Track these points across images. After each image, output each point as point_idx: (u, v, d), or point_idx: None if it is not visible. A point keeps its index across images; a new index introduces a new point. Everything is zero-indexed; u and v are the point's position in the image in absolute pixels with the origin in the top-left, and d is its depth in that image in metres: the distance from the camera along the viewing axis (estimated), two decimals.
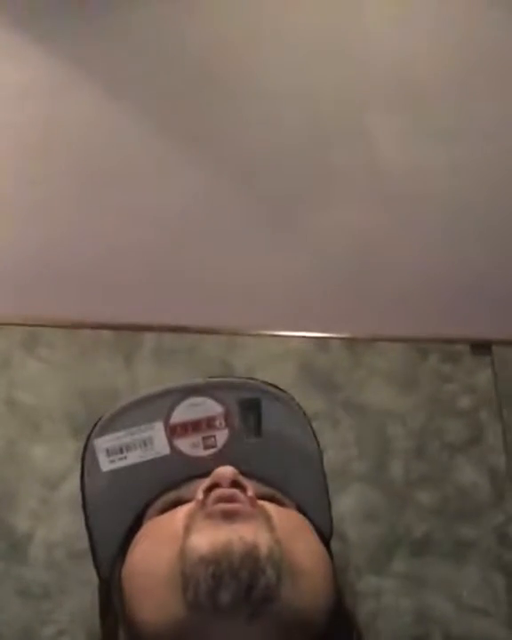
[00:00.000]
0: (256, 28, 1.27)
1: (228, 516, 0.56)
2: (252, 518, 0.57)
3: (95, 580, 0.73)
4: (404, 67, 1.31)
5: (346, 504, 1.12)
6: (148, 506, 0.67)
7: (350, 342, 1.24)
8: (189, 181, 1.25)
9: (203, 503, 0.58)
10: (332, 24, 1.30)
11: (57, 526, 1.05)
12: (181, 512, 0.60)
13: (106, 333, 1.21)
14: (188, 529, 0.57)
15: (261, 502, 0.61)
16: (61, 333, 1.19)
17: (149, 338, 1.21)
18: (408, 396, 1.21)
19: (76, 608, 1.00)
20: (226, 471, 0.60)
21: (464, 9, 1.31)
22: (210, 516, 0.57)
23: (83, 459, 0.68)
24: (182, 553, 0.55)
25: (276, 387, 0.76)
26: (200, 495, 0.59)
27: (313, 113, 1.28)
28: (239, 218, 1.26)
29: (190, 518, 0.58)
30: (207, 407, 0.69)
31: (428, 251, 1.28)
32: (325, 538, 0.72)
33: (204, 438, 0.68)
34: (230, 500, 0.58)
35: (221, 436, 0.68)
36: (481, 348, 1.26)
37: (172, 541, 0.57)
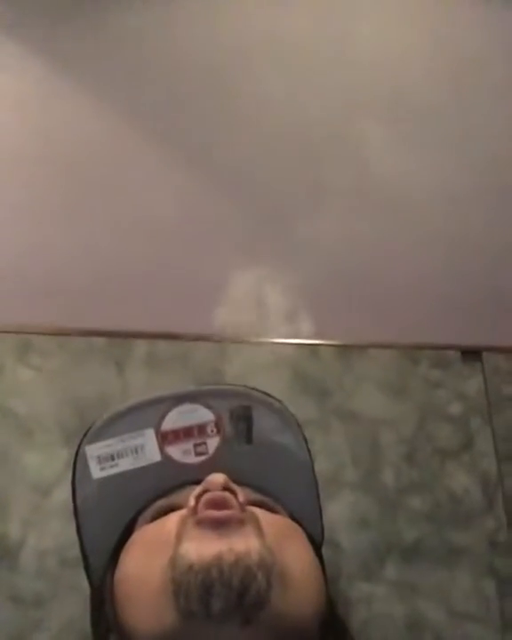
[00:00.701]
0: (248, 38, 1.28)
1: (219, 525, 0.56)
2: (242, 525, 0.57)
3: (87, 587, 0.73)
4: (396, 76, 1.32)
5: (338, 511, 1.12)
6: (139, 513, 0.67)
7: (342, 349, 1.24)
8: (181, 190, 1.26)
9: (194, 510, 0.58)
10: (323, 34, 1.31)
11: (49, 533, 1.05)
12: (173, 519, 0.60)
13: (98, 340, 1.21)
14: (179, 536, 0.57)
15: (252, 508, 0.62)
16: (53, 341, 1.19)
17: (141, 345, 1.21)
18: (399, 403, 1.21)
19: (67, 615, 1.00)
20: (217, 478, 0.60)
21: (456, 18, 1.32)
22: (200, 523, 0.57)
23: (74, 466, 0.69)
24: (173, 561, 0.55)
25: (267, 394, 0.76)
26: (191, 502, 0.59)
27: (304, 122, 1.29)
28: (231, 226, 1.27)
29: (181, 525, 0.58)
30: (198, 414, 0.69)
31: (418, 259, 1.29)
32: (317, 545, 0.72)
33: (195, 445, 0.68)
34: (221, 504, 0.58)
35: (212, 444, 0.68)
36: (471, 354, 1.27)
37: (163, 549, 0.57)
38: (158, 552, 0.58)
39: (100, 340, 1.20)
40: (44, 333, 1.19)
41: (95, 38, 1.23)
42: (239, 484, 0.63)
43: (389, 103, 1.31)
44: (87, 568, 0.69)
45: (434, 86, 1.33)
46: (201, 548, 0.55)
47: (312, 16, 1.30)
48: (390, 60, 1.32)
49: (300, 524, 0.68)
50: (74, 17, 1.21)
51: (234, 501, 0.58)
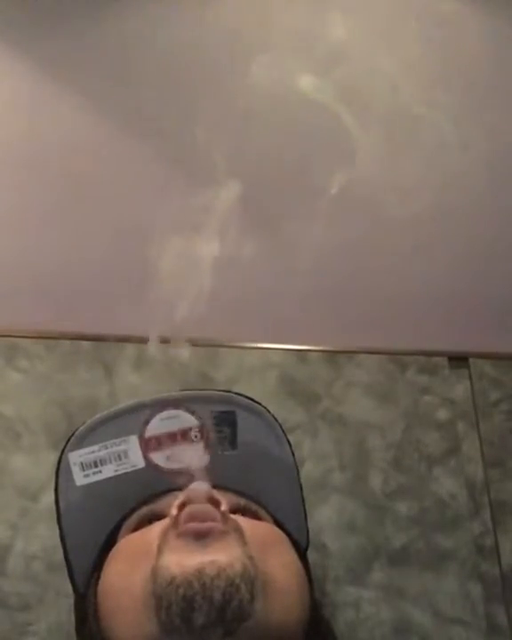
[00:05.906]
0: (242, 39, 1.28)
1: (200, 537, 0.56)
2: (224, 536, 0.57)
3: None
4: (389, 80, 1.32)
5: (325, 515, 1.12)
6: (123, 520, 0.67)
7: (330, 355, 1.25)
8: (170, 193, 1.25)
9: (176, 520, 0.59)
10: (316, 39, 1.31)
11: (36, 537, 1.05)
12: (155, 530, 0.61)
13: (86, 344, 1.21)
14: (160, 548, 0.58)
15: (235, 517, 0.62)
16: (41, 344, 1.19)
17: (130, 349, 1.21)
18: (387, 408, 1.22)
19: (54, 619, 1.00)
20: (200, 487, 0.60)
21: (451, 21, 1.32)
22: (182, 535, 0.57)
23: (57, 473, 0.69)
24: (154, 573, 0.55)
25: (250, 399, 0.77)
26: (174, 511, 0.59)
27: (296, 127, 1.29)
28: (220, 231, 1.27)
29: (163, 536, 0.59)
30: (182, 420, 0.69)
31: (406, 265, 1.29)
32: (301, 549, 0.72)
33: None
34: (203, 517, 0.58)
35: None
36: (458, 360, 1.27)
37: (145, 560, 0.57)
38: (140, 564, 0.58)
39: (89, 344, 1.21)
40: (31, 336, 1.19)
41: (86, 41, 1.23)
42: (223, 489, 0.63)
43: (383, 109, 1.31)
44: (71, 575, 0.69)
45: (429, 88, 1.33)
46: (183, 560, 0.55)
47: (306, 24, 1.29)
48: (384, 62, 1.32)
49: (285, 529, 0.68)
50: (64, 19, 1.21)
51: (216, 514, 0.59)
